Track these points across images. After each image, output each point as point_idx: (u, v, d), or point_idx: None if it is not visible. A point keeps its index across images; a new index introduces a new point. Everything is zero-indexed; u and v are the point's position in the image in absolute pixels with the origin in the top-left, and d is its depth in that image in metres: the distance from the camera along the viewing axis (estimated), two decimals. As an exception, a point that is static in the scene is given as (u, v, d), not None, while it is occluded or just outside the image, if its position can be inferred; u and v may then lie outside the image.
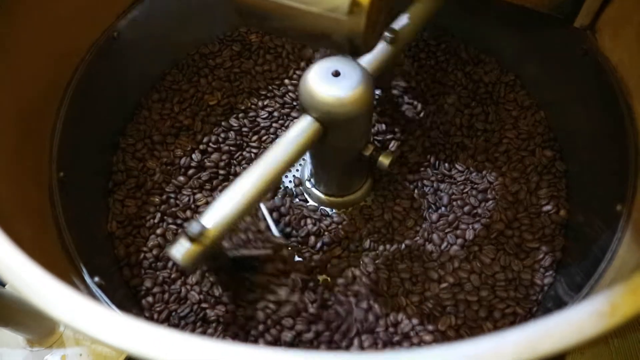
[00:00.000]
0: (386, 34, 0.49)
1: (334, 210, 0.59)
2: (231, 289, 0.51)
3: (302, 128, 0.43)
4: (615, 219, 0.44)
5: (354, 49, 0.34)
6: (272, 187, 0.47)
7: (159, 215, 0.56)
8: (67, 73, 0.52)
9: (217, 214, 0.40)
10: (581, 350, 0.51)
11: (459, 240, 0.55)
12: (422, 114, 0.62)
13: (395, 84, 0.63)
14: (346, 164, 0.52)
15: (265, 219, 0.53)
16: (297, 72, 0.66)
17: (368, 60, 0.49)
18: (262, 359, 0.23)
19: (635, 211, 0.42)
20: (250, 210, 0.42)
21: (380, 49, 0.50)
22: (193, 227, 0.38)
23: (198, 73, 0.66)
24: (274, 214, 0.57)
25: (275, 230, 0.53)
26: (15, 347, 0.73)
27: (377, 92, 0.60)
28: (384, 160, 0.49)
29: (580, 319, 0.22)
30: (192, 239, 0.38)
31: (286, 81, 0.66)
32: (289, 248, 0.53)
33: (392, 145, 0.60)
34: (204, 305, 0.51)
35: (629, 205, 0.43)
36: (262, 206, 0.54)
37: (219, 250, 0.44)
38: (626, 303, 0.23)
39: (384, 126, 0.61)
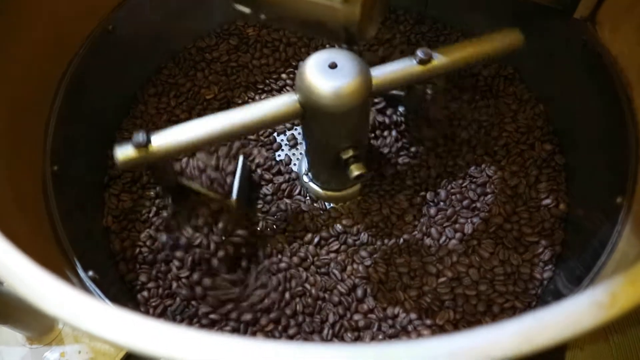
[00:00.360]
0: (418, 52, 0.44)
1: (331, 205, 0.58)
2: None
3: (282, 102, 0.43)
4: (615, 211, 0.43)
5: (349, 38, 0.34)
6: (226, 141, 0.49)
7: (154, 209, 0.56)
8: (61, 66, 0.51)
9: (166, 137, 0.42)
10: (581, 346, 0.50)
11: (458, 235, 0.54)
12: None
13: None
14: (336, 160, 0.51)
15: (235, 168, 0.53)
16: (295, 65, 0.66)
17: (383, 70, 0.45)
18: (263, 352, 0.22)
19: (636, 204, 0.42)
20: (195, 149, 0.46)
21: (404, 65, 0.45)
22: (139, 137, 0.40)
23: (195, 67, 0.65)
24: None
25: (235, 186, 0.52)
26: (14, 344, 0.72)
27: (401, 109, 0.59)
28: (354, 170, 0.47)
29: (579, 310, 0.22)
30: (135, 146, 0.41)
31: (283, 75, 0.65)
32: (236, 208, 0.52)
33: (403, 159, 0.59)
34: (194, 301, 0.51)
35: (629, 198, 0.43)
36: (241, 158, 0.54)
37: (166, 169, 0.47)
38: (625, 294, 0.22)
39: (400, 145, 0.59)
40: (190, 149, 0.43)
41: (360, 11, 0.32)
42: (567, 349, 0.50)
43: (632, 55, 0.46)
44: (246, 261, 0.52)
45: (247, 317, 0.49)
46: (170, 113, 0.62)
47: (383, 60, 0.65)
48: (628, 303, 0.22)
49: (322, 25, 0.33)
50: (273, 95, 0.64)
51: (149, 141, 0.41)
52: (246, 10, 0.35)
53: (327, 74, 0.42)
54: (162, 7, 0.60)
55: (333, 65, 0.43)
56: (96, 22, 0.55)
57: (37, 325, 0.72)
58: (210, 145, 0.46)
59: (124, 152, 0.41)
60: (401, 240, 0.55)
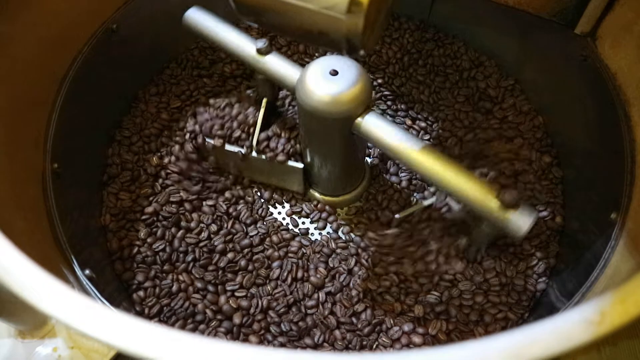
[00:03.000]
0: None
1: (327, 208, 0.58)
2: None
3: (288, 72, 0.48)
4: (610, 227, 0.44)
5: (352, 49, 0.34)
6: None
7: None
8: (64, 64, 0.52)
9: None
10: (573, 357, 0.51)
11: (453, 245, 0.54)
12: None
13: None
14: (338, 162, 0.52)
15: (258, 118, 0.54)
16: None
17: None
18: (252, 357, 0.22)
19: (630, 220, 0.42)
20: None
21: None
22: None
23: (198, 67, 0.66)
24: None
25: (256, 134, 0.54)
26: (6, 338, 0.72)
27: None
28: None
29: (569, 327, 0.22)
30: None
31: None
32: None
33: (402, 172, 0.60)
34: (193, 300, 0.51)
35: (624, 214, 0.43)
36: (263, 105, 0.55)
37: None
38: (615, 312, 0.23)
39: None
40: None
41: (364, 22, 0.32)
42: (557, 361, 0.50)
43: (630, 72, 0.47)
44: None
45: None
46: (171, 112, 0.62)
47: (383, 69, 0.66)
48: (617, 321, 0.22)
49: (324, 35, 0.33)
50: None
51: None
52: (249, 22, 0.36)
53: (327, 81, 0.43)
54: (165, 7, 0.61)
55: (334, 73, 0.43)
56: (100, 22, 0.55)
57: (30, 318, 0.72)
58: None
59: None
60: (397, 248, 0.55)
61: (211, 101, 0.56)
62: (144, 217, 0.56)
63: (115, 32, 0.56)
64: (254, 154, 0.53)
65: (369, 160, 0.61)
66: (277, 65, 0.50)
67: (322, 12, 0.31)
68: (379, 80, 0.65)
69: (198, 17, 0.53)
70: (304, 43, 0.65)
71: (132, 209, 0.56)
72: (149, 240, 0.54)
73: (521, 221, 0.40)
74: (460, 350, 0.21)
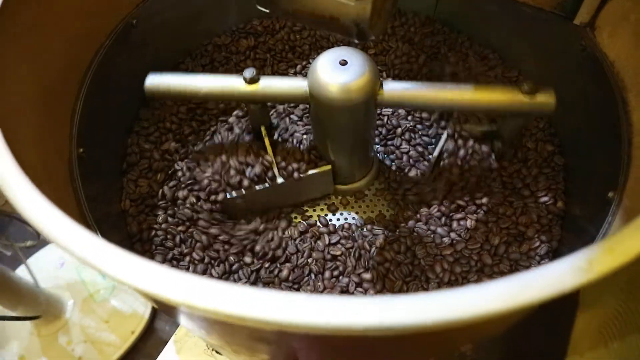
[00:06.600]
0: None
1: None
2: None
3: (291, 85, 0.49)
4: (607, 205, 0.46)
5: (360, 34, 0.37)
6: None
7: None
8: (87, 56, 0.55)
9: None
10: (580, 353, 0.52)
11: (458, 229, 0.56)
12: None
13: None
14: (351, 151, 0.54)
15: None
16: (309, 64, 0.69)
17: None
18: (275, 303, 0.24)
19: (626, 197, 0.44)
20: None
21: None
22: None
23: (211, 63, 0.69)
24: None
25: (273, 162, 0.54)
26: (23, 333, 0.75)
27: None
28: None
29: (560, 273, 0.24)
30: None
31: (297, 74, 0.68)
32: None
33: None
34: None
35: (620, 192, 0.45)
36: (264, 134, 0.56)
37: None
38: (602, 261, 0.25)
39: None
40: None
41: (371, 8, 0.34)
42: (566, 356, 0.51)
43: (628, 60, 0.49)
44: None
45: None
46: (187, 105, 0.65)
47: (392, 63, 0.68)
48: (604, 269, 0.25)
49: (334, 20, 0.36)
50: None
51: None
52: (265, 9, 0.39)
53: (337, 70, 0.45)
54: (182, 4, 0.64)
55: (344, 63, 0.46)
56: (120, 17, 0.58)
57: (46, 311, 0.75)
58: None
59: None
60: (402, 233, 0.57)
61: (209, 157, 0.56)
62: (160, 202, 0.58)
63: (134, 27, 0.59)
64: (280, 180, 0.53)
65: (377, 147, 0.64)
66: (276, 85, 0.50)
67: (333, -2, 0.34)
68: (384, 74, 0.68)
69: (161, 80, 0.53)
70: (317, 28, 0.68)
71: (150, 194, 0.59)
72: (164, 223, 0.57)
73: (548, 97, 0.49)
74: (457, 295, 0.24)
